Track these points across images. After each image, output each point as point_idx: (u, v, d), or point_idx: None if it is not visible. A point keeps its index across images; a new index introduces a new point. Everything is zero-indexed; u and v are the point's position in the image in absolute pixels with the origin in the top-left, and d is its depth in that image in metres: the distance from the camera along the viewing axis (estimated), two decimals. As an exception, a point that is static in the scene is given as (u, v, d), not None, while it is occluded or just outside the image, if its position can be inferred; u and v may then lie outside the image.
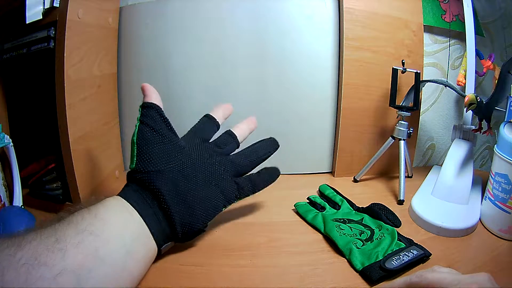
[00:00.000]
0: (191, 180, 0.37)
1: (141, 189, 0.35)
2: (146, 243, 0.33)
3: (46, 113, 0.45)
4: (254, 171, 0.44)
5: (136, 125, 0.38)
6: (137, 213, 0.33)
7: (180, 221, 0.35)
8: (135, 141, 0.37)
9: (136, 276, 0.32)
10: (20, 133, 0.52)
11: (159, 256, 0.36)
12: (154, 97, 0.40)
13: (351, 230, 0.42)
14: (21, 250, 0.24)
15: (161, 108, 0.39)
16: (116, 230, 0.31)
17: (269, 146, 0.46)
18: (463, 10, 0.56)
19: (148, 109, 0.38)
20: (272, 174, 0.45)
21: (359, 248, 0.38)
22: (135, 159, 0.36)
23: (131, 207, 0.33)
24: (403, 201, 0.53)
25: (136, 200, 0.34)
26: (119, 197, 0.35)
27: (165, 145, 0.38)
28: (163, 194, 0.35)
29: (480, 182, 0.57)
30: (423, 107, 0.70)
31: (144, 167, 0.36)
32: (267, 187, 0.44)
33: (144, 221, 0.33)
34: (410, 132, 0.57)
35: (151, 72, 0.62)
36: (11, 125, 0.53)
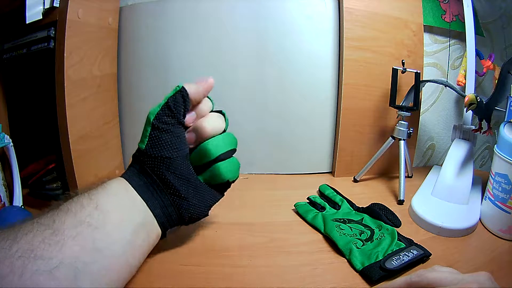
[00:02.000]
0: (186, 164, 0.35)
1: (147, 173, 0.34)
2: (148, 231, 0.32)
3: (46, 113, 0.45)
4: None
5: (161, 104, 0.34)
6: (140, 198, 0.32)
7: (188, 208, 0.34)
8: (151, 120, 0.34)
9: (134, 266, 0.31)
10: (20, 133, 0.52)
11: (164, 239, 0.35)
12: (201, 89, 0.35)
13: (351, 230, 0.42)
14: (16, 243, 0.24)
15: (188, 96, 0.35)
16: (117, 221, 0.30)
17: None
18: (463, 10, 0.56)
19: (183, 95, 0.34)
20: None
21: (359, 248, 0.38)
22: (146, 140, 0.34)
23: (135, 192, 0.32)
24: (403, 201, 0.53)
25: (141, 184, 0.33)
26: (123, 179, 0.33)
27: (180, 130, 0.35)
28: (173, 183, 0.33)
29: (480, 182, 0.57)
30: (423, 107, 0.70)
31: (155, 152, 0.33)
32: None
33: (148, 206, 0.32)
34: (410, 132, 0.57)
35: (151, 72, 0.62)
36: (11, 125, 0.53)
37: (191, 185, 0.35)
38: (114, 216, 0.30)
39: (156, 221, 0.33)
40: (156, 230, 0.33)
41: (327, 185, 0.56)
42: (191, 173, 0.35)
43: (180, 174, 0.34)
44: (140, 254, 0.32)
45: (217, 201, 0.38)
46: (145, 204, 0.32)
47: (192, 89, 0.35)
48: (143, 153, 0.34)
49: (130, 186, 0.33)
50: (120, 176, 0.34)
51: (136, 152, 0.35)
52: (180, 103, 0.34)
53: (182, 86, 0.35)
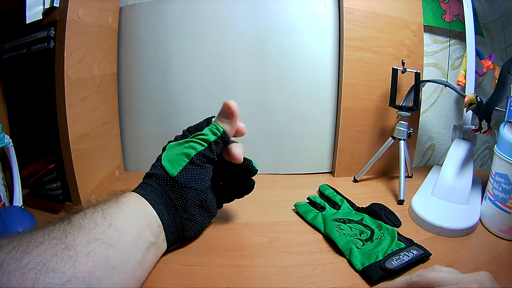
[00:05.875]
0: (211, 195, 0.40)
1: (170, 197, 0.36)
2: (157, 249, 0.34)
3: (46, 113, 0.45)
4: None
5: (206, 142, 0.38)
6: (158, 219, 0.34)
7: (194, 230, 0.39)
8: (191, 155, 0.37)
9: (142, 281, 0.32)
10: (20, 133, 0.52)
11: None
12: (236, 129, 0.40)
13: (351, 230, 0.42)
14: (28, 254, 0.23)
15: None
16: (131, 239, 0.30)
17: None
18: (463, 10, 0.56)
19: (226, 142, 0.39)
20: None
21: (359, 248, 0.38)
22: (180, 169, 0.36)
23: (154, 212, 0.34)
24: (403, 201, 0.53)
25: (161, 206, 0.35)
26: (140, 198, 0.34)
27: (210, 167, 0.39)
28: (191, 210, 0.37)
29: (480, 182, 0.57)
30: (423, 107, 0.70)
31: (186, 182, 0.36)
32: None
33: (164, 228, 0.34)
34: (410, 132, 0.57)
35: (151, 72, 0.62)
36: (11, 125, 0.53)
37: (203, 211, 0.39)
38: (129, 235, 0.30)
39: (166, 241, 0.35)
40: (163, 248, 0.36)
41: (327, 185, 0.56)
42: (209, 200, 0.39)
43: (199, 202, 0.38)
44: (148, 270, 0.33)
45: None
46: (161, 225, 0.34)
47: (228, 130, 0.39)
48: (172, 179, 0.36)
49: (150, 206, 0.34)
50: (135, 192, 0.35)
51: (158, 173, 0.37)
52: (220, 145, 0.39)
53: (224, 131, 0.39)
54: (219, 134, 0.38)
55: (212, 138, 0.38)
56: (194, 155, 0.37)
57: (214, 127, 0.39)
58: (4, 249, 0.23)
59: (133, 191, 0.35)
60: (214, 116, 0.43)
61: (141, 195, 0.34)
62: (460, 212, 0.47)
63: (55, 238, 0.26)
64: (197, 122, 0.44)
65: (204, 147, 0.37)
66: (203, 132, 0.39)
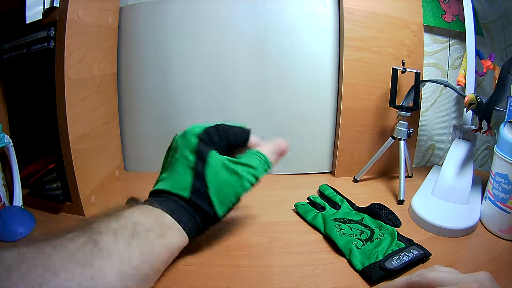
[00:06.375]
0: None
1: (205, 230, 0.36)
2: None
3: (46, 113, 0.45)
4: None
5: (255, 178, 0.37)
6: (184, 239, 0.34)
7: None
8: (240, 197, 0.36)
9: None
10: (20, 133, 0.52)
11: None
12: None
13: (351, 230, 0.42)
14: (44, 285, 0.21)
15: None
16: (157, 272, 0.31)
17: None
18: (463, 10, 0.56)
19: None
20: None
21: (359, 248, 0.38)
22: (226, 210, 0.36)
23: (187, 239, 0.34)
24: (403, 201, 0.53)
25: (195, 238, 0.35)
26: (187, 238, 0.34)
27: None
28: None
29: (480, 182, 0.57)
30: (423, 107, 0.70)
31: (219, 214, 0.36)
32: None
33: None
34: (410, 132, 0.57)
35: (151, 72, 0.62)
36: (11, 125, 0.53)
37: None
38: (159, 269, 0.31)
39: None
40: None
41: (327, 185, 0.56)
42: None
43: None
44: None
45: None
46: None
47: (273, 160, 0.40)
48: (216, 219, 0.36)
49: (188, 241, 0.34)
50: (182, 228, 0.33)
51: (206, 209, 0.34)
52: None
53: (271, 163, 0.39)
54: (267, 169, 0.38)
55: (261, 174, 0.37)
56: (241, 196, 0.36)
57: (264, 160, 0.38)
58: (15, 274, 0.20)
59: (179, 222, 0.33)
60: (250, 129, 0.41)
61: (188, 234, 0.34)
62: (460, 212, 0.47)
63: (77, 264, 0.23)
64: (232, 125, 0.40)
65: (251, 184, 0.36)
66: (252, 164, 0.36)
